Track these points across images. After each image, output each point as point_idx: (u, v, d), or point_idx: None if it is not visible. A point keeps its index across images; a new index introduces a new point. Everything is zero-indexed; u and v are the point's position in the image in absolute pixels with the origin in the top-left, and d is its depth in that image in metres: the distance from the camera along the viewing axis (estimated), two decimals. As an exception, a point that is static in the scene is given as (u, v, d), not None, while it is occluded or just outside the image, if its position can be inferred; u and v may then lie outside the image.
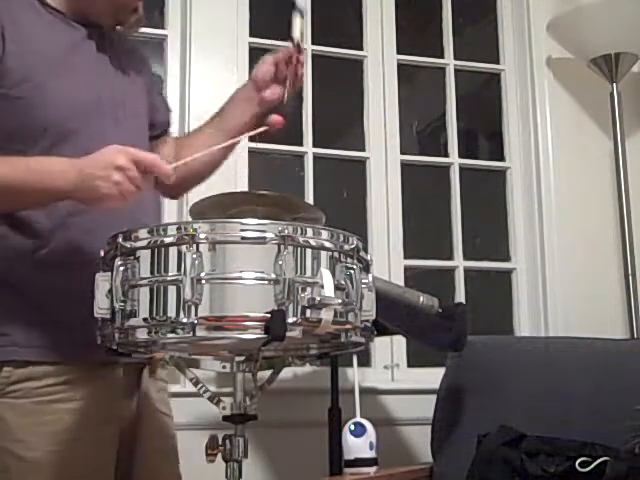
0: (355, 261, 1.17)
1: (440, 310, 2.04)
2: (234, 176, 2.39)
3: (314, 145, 2.59)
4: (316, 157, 2.59)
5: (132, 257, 1.14)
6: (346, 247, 1.16)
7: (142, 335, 1.12)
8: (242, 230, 1.11)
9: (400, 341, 2.51)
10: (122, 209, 1.40)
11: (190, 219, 1.28)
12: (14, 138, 1.39)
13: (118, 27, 1.56)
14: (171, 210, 2.23)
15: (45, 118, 1.41)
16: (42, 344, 1.39)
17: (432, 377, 2.23)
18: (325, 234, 1.15)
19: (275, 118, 1.42)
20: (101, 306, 1.15)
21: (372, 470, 1.93)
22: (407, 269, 2.61)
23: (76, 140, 1.41)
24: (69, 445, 1.38)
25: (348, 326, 1.15)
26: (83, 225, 1.41)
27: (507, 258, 2.76)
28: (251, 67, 2.52)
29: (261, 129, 1.42)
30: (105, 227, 1.37)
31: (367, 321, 1.19)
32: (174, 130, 1.82)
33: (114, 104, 1.50)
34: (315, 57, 2.65)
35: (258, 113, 1.57)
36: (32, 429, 1.37)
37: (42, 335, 1.39)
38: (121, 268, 1.13)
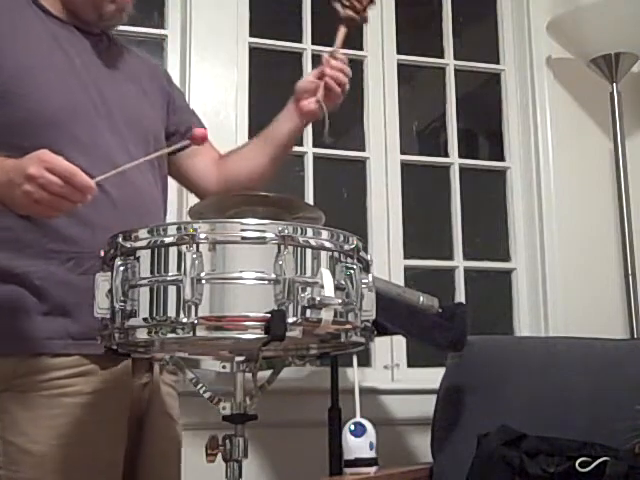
0: (355, 261, 1.17)
1: (440, 310, 2.04)
2: (234, 176, 2.40)
3: (314, 145, 2.59)
4: (316, 157, 2.59)
5: (132, 257, 1.14)
6: (346, 247, 1.16)
7: (142, 335, 1.12)
8: (242, 230, 1.11)
9: (400, 341, 2.51)
10: (127, 208, 1.43)
11: (189, 219, 1.28)
12: (14, 132, 1.42)
13: (103, 23, 1.57)
14: (171, 210, 2.22)
15: (40, 114, 1.43)
16: (47, 336, 1.40)
17: (432, 377, 2.22)
18: (325, 234, 1.15)
19: (198, 131, 1.37)
20: (101, 306, 1.15)
21: (372, 470, 1.93)
22: (407, 269, 2.61)
23: (67, 139, 1.43)
24: (76, 440, 1.38)
25: (348, 326, 1.15)
26: (87, 218, 1.42)
27: (507, 258, 2.76)
28: (251, 67, 2.54)
29: (183, 143, 1.40)
30: (106, 222, 1.39)
31: (367, 321, 1.19)
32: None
33: (106, 108, 1.51)
34: (315, 57, 2.65)
35: (300, 124, 1.66)
36: (38, 422, 1.37)
37: (46, 326, 1.40)
38: (121, 268, 1.13)
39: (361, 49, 2.72)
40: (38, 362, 1.39)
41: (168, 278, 1.10)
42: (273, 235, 1.10)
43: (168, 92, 1.72)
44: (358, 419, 1.97)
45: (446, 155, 2.78)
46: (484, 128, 2.99)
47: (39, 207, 1.26)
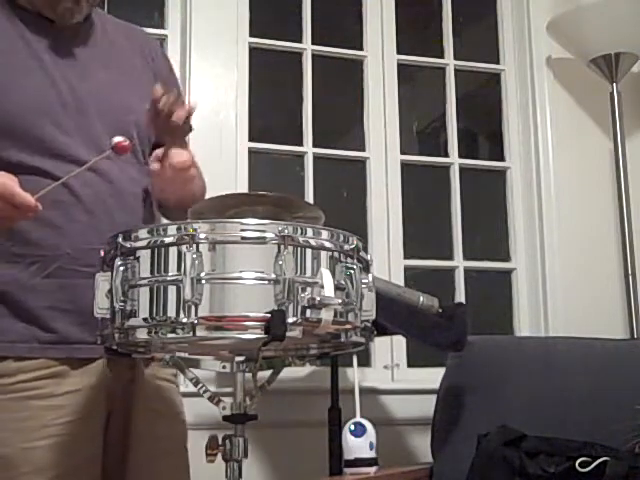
0: (355, 261, 1.17)
1: (440, 310, 2.05)
2: (234, 176, 2.40)
3: (314, 145, 2.59)
4: (316, 157, 2.59)
5: (132, 257, 1.13)
6: (346, 247, 1.16)
7: (142, 335, 1.12)
8: (242, 230, 1.11)
9: (400, 341, 2.51)
10: (98, 208, 1.40)
11: (190, 219, 1.28)
12: None
13: (61, 19, 1.49)
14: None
15: (4, 118, 1.40)
16: (11, 339, 1.38)
17: (432, 377, 2.23)
18: (325, 234, 1.15)
19: (117, 142, 1.33)
20: (101, 306, 1.15)
21: (372, 470, 1.93)
22: (407, 269, 2.61)
23: (29, 142, 1.40)
24: (47, 442, 1.36)
25: (348, 326, 1.15)
26: (52, 220, 1.39)
27: (507, 258, 2.76)
28: (251, 67, 2.54)
29: (105, 154, 1.35)
30: (74, 224, 1.38)
31: (367, 321, 1.19)
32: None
33: (77, 104, 1.46)
34: (315, 57, 2.65)
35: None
36: (5, 425, 1.35)
37: (12, 330, 1.38)
38: (121, 268, 1.13)
39: (361, 49, 2.72)
40: (4, 366, 1.37)
41: (168, 278, 1.10)
42: (273, 235, 1.10)
43: (163, 81, 1.60)
44: (358, 419, 1.97)
45: (446, 155, 2.78)
46: (484, 128, 3.00)
47: None
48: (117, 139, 1.32)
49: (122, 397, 1.47)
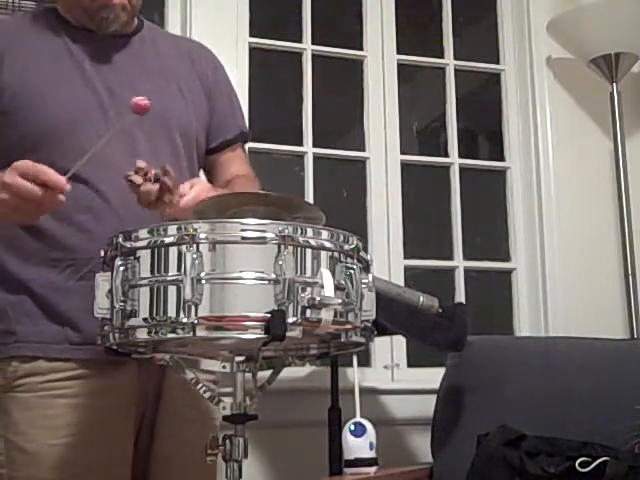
0: (355, 261, 1.17)
1: (440, 310, 2.05)
2: (234, 176, 2.39)
3: (314, 145, 2.59)
4: (316, 157, 2.59)
5: (132, 257, 1.14)
6: (346, 247, 1.16)
7: (142, 335, 1.12)
8: (242, 230, 1.11)
9: (400, 341, 2.51)
10: (129, 216, 1.42)
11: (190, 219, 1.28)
12: (20, 148, 1.44)
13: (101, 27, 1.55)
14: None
15: (41, 129, 1.45)
16: (45, 340, 1.43)
17: (432, 377, 2.23)
18: (325, 234, 1.15)
19: (137, 102, 1.29)
20: (101, 306, 1.15)
21: (372, 470, 1.93)
22: (407, 269, 2.61)
23: (69, 150, 1.42)
24: (73, 439, 1.40)
25: (348, 326, 1.15)
26: (84, 225, 1.45)
27: (507, 258, 2.76)
28: (251, 67, 2.54)
29: (125, 120, 1.33)
30: (107, 230, 1.39)
31: (367, 321, 1.19)
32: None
33: (118, 112, 1.48)
34: (315, 57, 2.65)
35: None
36: (33, 422, 1.40)
37: (45, 331, 1.44)
38: (121, 268, 1.13)
39: (361, 49, 2.72)
40: (36, 365, 1.42)
41: (168, 278, 1.10)
42: (273, 235, 1.10)
43: (209, 87, 1.66)
44: (358, 419, 1.97)
45: (446, 155, 2.78)
46: (484, 128, 3.00)
47: (17, 214, 1.30)
48: (136, 99, 1.29)
49: (153, 399, 1.51)
